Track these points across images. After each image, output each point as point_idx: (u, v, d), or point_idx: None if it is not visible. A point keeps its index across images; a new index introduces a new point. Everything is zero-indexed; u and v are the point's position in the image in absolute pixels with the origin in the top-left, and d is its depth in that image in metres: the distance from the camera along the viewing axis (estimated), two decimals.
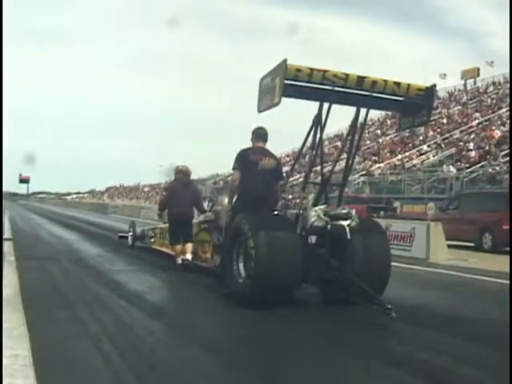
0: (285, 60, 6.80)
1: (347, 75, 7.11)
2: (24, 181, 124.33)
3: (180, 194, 10.68)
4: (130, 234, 14.76)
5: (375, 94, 7.36)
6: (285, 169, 11.79)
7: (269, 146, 8.33)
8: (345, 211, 7.36)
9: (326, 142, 54.46)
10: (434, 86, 7.72)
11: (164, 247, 12.22)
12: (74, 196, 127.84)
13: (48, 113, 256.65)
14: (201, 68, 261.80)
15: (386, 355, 5.18)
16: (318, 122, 7.37)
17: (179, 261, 10.52)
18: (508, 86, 55.64)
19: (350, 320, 6.64)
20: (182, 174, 11.02)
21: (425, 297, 8.88)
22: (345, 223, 7.21)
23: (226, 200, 8.67)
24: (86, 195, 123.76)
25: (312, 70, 6.97)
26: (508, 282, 10.23)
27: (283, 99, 6.88)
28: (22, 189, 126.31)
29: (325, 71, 7.02)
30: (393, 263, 7.80)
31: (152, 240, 13.36)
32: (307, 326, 6.35)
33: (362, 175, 41.74)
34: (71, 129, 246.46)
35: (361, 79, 7.17)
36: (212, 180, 65.88)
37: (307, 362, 4.99)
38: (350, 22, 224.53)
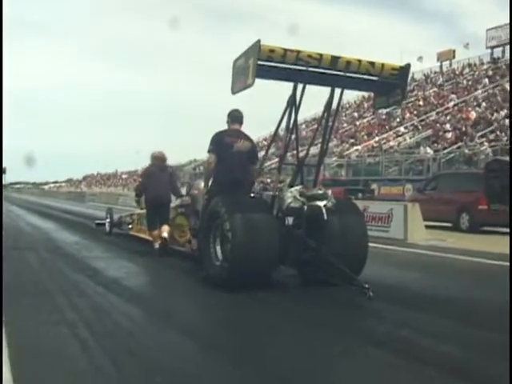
0: (258, 41, 6.74)
1: (321, 55, 7.06)
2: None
3: (156, 178, 10.66)
4: (108, 220, 14.70)
5: (349, 74, 7.34)
6: (262, 153, 11.74)
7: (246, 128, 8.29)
8: (321, 192, 7.34)
9: (304, 126, 54.52)
10: (409, 65, 7.70)
11: (141, 233, 12.17)
12: (52, 185, 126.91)
13: (27, 103, 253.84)
14: (184, 55, 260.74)
15: (365, 335, 5.19)
16: (293, 103, 7.33)
17: (157, 245, 10.52)
18: (483, 67, 56.14)
19: (328, 300, 6.64)
20: (158, 159, 11.00)
21: (403, 277, 8.93)
22: (321, 204, 7.20)
23: (202, 184, 8.62)
24: (63, 184, 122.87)
25: (286, 50, 6.92)
26: (489, 261, 10.36)
27: (258, 81, 6.83)
28: None
29: (298, 51, 6.97)
30: (371, 244, 7.83)
31: (129, 226, 13.30)
32: (285, 307, 6.35)
33: (338, 158, 41.88)
34: (48, 118, 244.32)
35: (335, 59, 7.13)
36: (190, 165, 65.70)
37: (286, 343, 5.00)
38: (327, 6, 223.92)
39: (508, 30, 53.50)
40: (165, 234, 10.35)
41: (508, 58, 53.84)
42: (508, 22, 51.55)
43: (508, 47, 54.86)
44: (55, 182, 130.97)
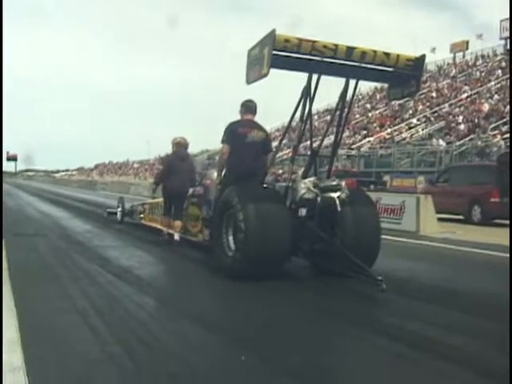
0: (273, 30, 6.69)
1: (336, 46, 7.02)
2: (11, 159, 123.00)
3: (178, 169, 10.57)
4: (119, 209, 14.72)
5: (364, 65, 7.29)
6: (274, 144, 11.70)
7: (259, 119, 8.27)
8: (334, 183, 7.31)
9: (316, 117, 54.45)
10: (424, 56, 7.65)
11: (153, 222, 12.18)
12: (63, 173, 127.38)
13: (41, 90, 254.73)
14: (197, 44, 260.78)
15: (376, 326, 5.20)
16: (307, 94, 7.31)
17: (166, 234, 10.54)
18: (497, 58, 55.80)
19: (340, 291, 6.64)
20: (180, 146, 10.91)
21: (415, 269, 8.89)
22: (335, 195, 7.17)
23: (215, 174, 8.61)
24: (74, 172, 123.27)
25: (301, 40, 6.88)
26: (500, 254, 10.31)
27: (272, 71, 6.80)
28: (9, 167, 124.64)
29: (314, 42, 6.93)
30: (383, 236, 7.81)
31: (141, 215, 13.31)
32: (297, 297, 6.35)
33: (349, 149, 41.86)
34: (61, 106, 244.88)
35: (350, 50, 7.09)
36: (203, 155, 65.71)
37: (297, 333, 5.00)
38: None
39: None
40: (176, 237, 10.35)
41: None
42: None
43: None
44: (66, 171, 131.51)
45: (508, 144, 28.95)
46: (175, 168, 10.61)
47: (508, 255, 9.81)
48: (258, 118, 8.22)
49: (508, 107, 38.02)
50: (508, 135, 31.33)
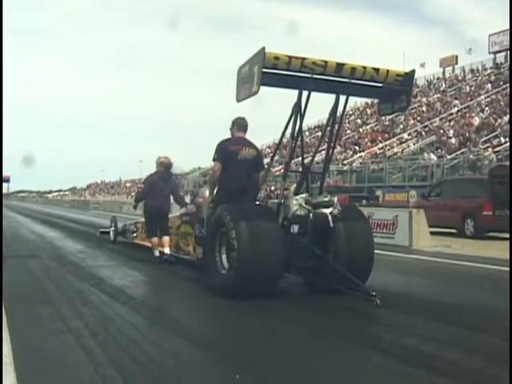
0: (263, 48, 6.72)
1: (326, 62, 7.05)
2: (4, 180, 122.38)
3: (160, 188, 10.57)
4: (112, 229, 14.69)
5: (354, 81, 7.32)
6: (266, 160, 11.70)
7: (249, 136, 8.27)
8: (326, 199, 7.31)
9: (307, 133, 54.51)
10: (413, 71, 7.70)
11: (146, 241, 12.13)
12: (56, 194, 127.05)
13: (31, 112, 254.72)
14: (187, 63, 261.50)
15: (372, 342, 5.15)
16: (298, 111, 7.31)
17: (157, 253, 10.61)
18: (486, 72, 56.14)
19: (334, 308, 6.61)
20: (164, 165, 10.86)
21: (409, 283, 8.89)
22: (327, 211, 7.17)
23: (207, 192, 8.61)
24: (67, 192, 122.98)
25: (290, 57, 6.91)
26: (494, 267, 10.32)
27: (262, 88, 6.81)
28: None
29: (303, 59, 6.96)
30: (376, 251, 7.78)
31: (134, 235, 13.27)
32: (291, 315, 6.31)
33: (341, 164, 41.92)
34: (52, 127, 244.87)
35: (340, 66, 7.13)
36: (194, 173, 65.70)
37: (291, 350, 4.97)
38: (328, 14, 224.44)
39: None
40: (167, 250, 10.38)
41: None
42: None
43: None
44: (59, 191, 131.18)
45: (499, 157, 29.09)
46: (157, 187, 10.61)
47: (503, 268, 9.83)
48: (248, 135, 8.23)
49: (498, 120, 38.23)
50: (499, 148, 31.50)
